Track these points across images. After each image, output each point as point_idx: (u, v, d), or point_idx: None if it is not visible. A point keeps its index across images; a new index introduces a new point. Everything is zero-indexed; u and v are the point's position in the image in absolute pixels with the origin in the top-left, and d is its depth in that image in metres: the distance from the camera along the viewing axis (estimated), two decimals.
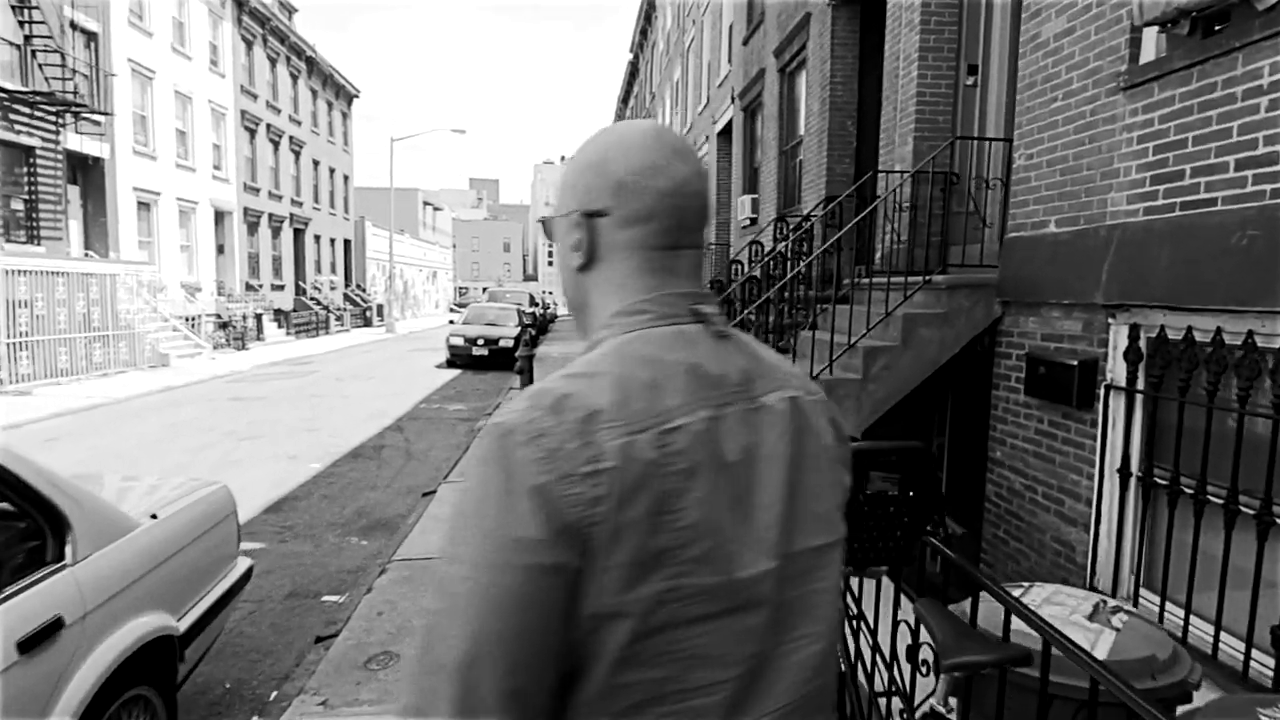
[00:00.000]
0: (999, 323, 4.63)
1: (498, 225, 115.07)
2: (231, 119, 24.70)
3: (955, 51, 6.09)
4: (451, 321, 21.19)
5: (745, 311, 6.07)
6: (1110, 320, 3.69)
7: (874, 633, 2.03)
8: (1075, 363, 3.83)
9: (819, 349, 4.78)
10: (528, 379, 11.93)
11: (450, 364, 18.03)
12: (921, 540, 1.69)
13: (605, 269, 0.86)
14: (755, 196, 11.63)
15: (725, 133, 14.29)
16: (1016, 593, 2.05)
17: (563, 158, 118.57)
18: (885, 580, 2.03)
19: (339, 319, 30.46)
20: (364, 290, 37.08)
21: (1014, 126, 4.69)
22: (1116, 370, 3.64)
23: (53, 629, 2.03)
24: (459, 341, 17.91)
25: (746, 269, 7.94)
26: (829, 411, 0.89)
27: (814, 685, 0.81)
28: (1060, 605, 2.03)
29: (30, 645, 1.95)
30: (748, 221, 11.73)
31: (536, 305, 32.85)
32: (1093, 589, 3.73)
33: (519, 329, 18.42)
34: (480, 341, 17.78)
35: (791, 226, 7.17)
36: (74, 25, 16.50)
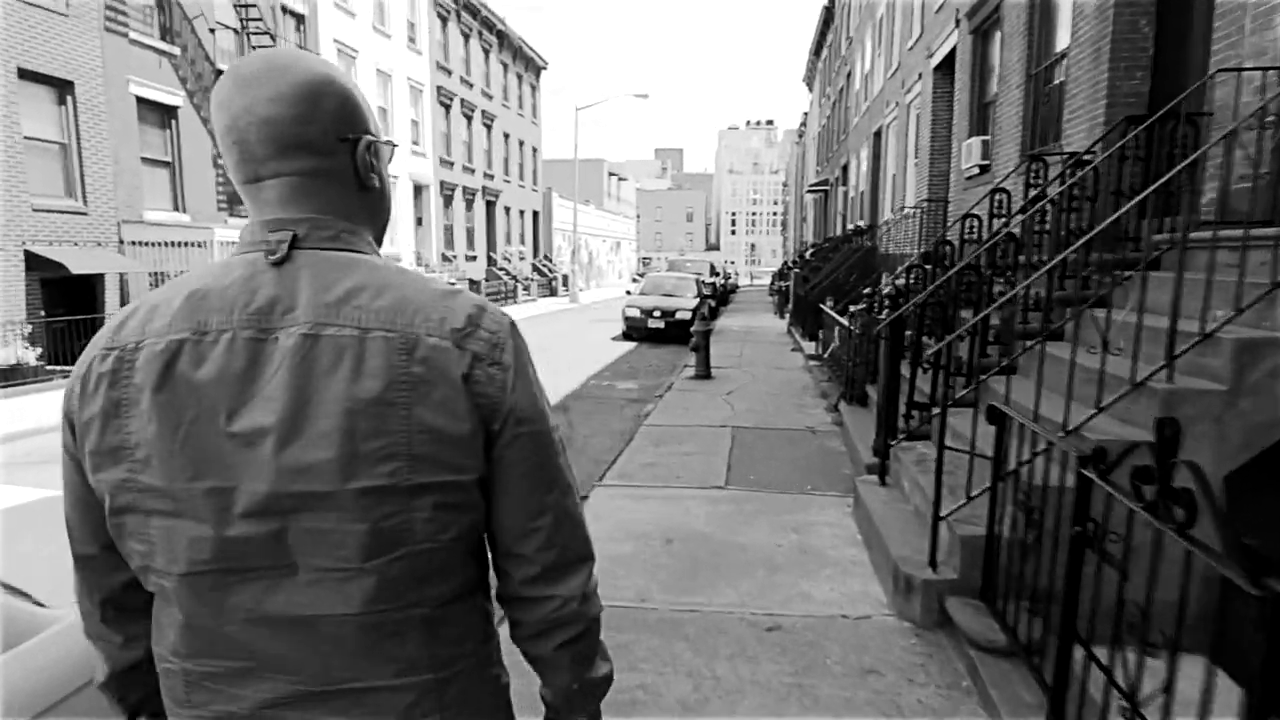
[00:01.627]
0: None
1: (681, 195, 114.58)
2: (428, 95, 25.57)
3: None
4: (628, 292, 20.36)
5: (1000, 280, 4.32)
6: None
7: None
8: None
9: (1147, 340, 3.04)
10: (704, 356, 10.72)
11: (626, 336, 17.22)
12: None
13: None
14: (986, 139, 9.44)
15: (944, 66, 11.98)
16: None
17: (747, 123, 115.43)
18: None
19: (526, 289, 31.11)
20: (550, 261, 37.79)
21: None
22: None
23: None
24: (634, 313, 16.99)
25: (988, 227, 6.08)
26: (403, 349, 0.81)
27: (302, 640, 0.83)
28: None
29: None
30: (976, 169, 9.57)
31: (717, 275, 31.51)
32: None
33: (697, 300, 17.18)
34: (656, 313, 16.74)
35: (1059, 165, 5.24)
36: (285, 9, 17.42)
